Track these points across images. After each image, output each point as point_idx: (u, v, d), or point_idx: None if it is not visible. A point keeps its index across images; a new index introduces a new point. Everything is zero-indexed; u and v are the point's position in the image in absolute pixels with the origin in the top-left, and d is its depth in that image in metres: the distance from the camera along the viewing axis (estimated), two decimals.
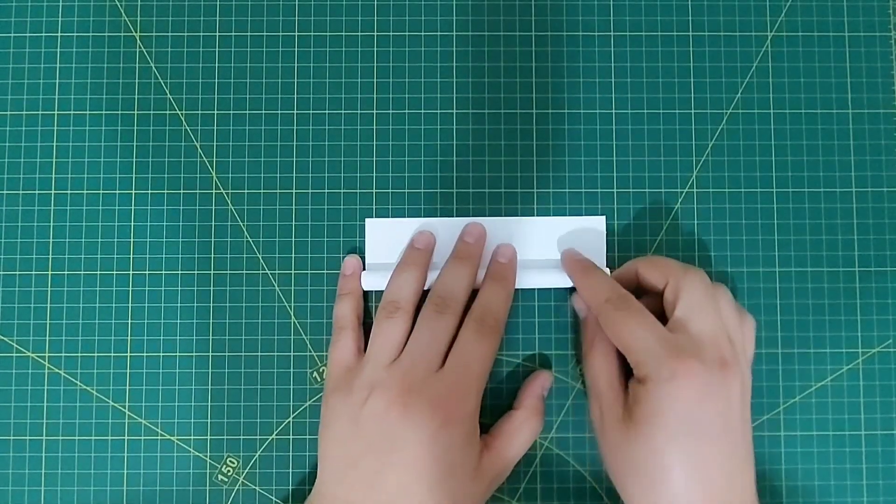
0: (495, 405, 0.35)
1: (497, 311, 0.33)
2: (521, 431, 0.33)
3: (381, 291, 0.34)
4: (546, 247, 0.36)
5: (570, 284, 0.35)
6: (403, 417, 0.30)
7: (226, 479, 0.35)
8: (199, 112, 0.36)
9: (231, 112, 0.36)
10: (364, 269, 0.35)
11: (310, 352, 0.35)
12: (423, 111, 0.37)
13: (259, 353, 0.35)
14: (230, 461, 0.35)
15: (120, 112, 0.36)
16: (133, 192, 0.36)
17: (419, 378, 0.31)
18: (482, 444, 0.32)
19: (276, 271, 0.36)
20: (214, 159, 0.36)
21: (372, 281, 0.35)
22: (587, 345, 0.33)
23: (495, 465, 0.32)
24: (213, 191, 0.36)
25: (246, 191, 0.36)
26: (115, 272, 0.36)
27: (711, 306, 0.30)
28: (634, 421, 0.29)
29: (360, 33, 0.37)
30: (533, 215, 0.36)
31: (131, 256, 0.36)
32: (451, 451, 0.30)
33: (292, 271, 0.36)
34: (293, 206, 0.36)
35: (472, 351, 0.32)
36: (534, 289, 0.36)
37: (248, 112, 0.36)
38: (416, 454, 0.30)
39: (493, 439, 0.33)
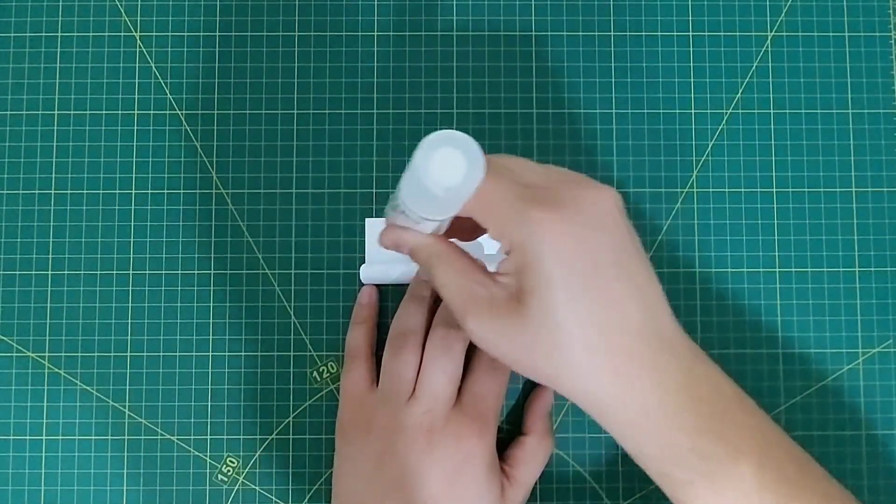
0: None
1: None
2: (536, 456, 0.33)
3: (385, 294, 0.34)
4: None
5: None
6: (427, 456, 0.30)
7: (226, 479, 0.35)
8: (199, 112, 0.36)
9: (231, 112, 0.36)
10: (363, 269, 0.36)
11: (310, 352, 0.35)
12: (423, 111, 0.37)
13: (259, 353, 0.35)
14: (230, 461, 0.35)
15: (120, 112, 0.36)
16: (133, 192, 0.36)
17: (439, 416, 0.31)
18: (502, 475, 0.32)
19: (276, 271, 0.36)
20: (214, 159, 0.36)
21: (371, 273, 0.35)
22: (427, 265, 0.28)
23: (517, 493, 0.32)
24: (213, 191, 0.36)
25: (246, 191, 0.36)
26: (115, 272, 0.36)
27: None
28: (521, 304, 0.25)
29: (360, 33, 0.37)
30: None
31: (131, 256, 0.36)
32: (475, 484, 0.30)
33: (292, 271, 0.36)
34: (293, 206, 0.36)
35: (488, 382, 0.32)
36: None
37: (248, 112, 0.36)
38: (442, 491, 0.30)
39: (511, 469, 0.33)
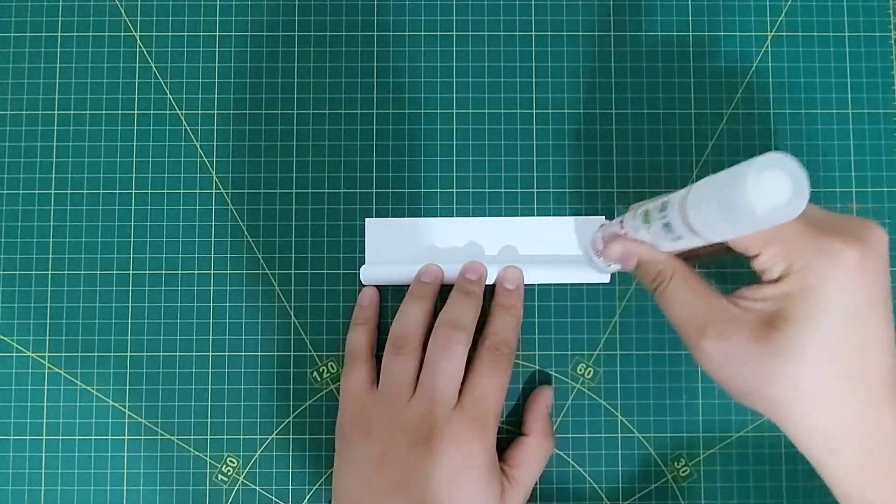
0: None
1: (509, 340, 0.33)
2: (536, 457, 0.33)
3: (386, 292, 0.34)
4: (546, 247, 0.36)
5: (568, 281, 0.35)
6: (427, 457, 0.30)
7: (226, 479, 0.35)
8: (199, 112, 0.36)
9: (231, 112, 0.36)
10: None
11: (310, 352, 0.35)
12: (423, 111, 0.37)
13: (259, 353, 0.35)
14: (230, 461, 0.35)
15: (120, 112, 0.36)
16: (133, 192, 0.36)
17: (439, 417, 0.31)
18: (502, 475, 0.32)
19: (276, 271, 0.36)
20: (214, 159, 0.36)
21: (371, 274, 0.35)
22: (657, 281, 0.29)
23: (518, 494, 0.32)
24: (213, 191, 0.36)
25: (246, 191, 0.36)
26: (115, 272, 0.36)
27: None
28: (779, 330, 0.25)
29: (360, 33, 0.37)
30: (533, 215, 0.36)
31: (131, 256, 0.36)
32: (475, 485, 0.30)
33: (292, 271, 0.36)
34: (293, 206, 0.36)
35: (488, 383, 0.32)
36: (533, 289, 0.36)
37: (248, 112, 0.36)
38: (443, 492, 0.30)
39: (512, 469, 0.33)
